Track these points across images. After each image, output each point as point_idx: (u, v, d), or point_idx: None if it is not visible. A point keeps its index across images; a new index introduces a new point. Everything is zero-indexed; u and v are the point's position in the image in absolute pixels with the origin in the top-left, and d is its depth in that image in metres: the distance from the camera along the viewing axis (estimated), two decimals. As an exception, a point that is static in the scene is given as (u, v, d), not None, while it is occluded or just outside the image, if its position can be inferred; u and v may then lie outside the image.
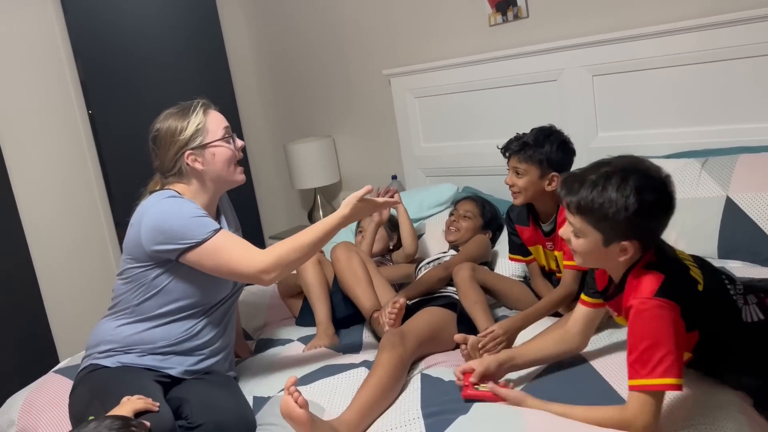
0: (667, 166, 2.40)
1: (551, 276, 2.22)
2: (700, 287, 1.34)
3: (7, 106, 3.09)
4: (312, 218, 3.86)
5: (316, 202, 3.87)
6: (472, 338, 1.86)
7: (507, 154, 2.14)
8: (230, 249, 1.74)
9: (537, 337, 1.72)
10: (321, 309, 2.24)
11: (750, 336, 1.38)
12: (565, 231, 1.43)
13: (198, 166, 1.82)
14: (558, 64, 2.80)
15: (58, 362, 2.41)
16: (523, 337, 1.89)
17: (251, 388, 1.91)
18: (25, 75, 3.15)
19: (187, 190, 1.86)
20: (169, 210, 1.76)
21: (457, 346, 1.94)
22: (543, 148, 2.08)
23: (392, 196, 2.12)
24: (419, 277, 2.36)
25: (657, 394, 1.29)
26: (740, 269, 2.10)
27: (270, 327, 2.42)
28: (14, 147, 3.11)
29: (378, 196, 2.06)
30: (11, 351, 3.06)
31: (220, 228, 1.78)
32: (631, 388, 1.30)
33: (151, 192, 1.86)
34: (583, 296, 1.63)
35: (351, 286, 2.20)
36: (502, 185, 3.04)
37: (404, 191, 3.41)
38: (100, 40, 3.38)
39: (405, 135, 3.43)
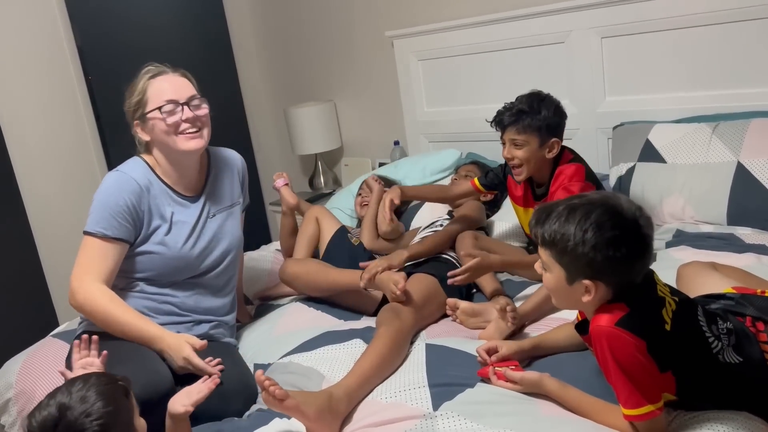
0: (677, 131, 2.41)
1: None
2: (667, 327, 1.26)
3: (3, 73, 3.03)
4: (313, 184, 3.81)
5: (317, 168, 3.82)
6: (463, 304, 1.84)
7: (501, 127, 2.04)
8: (84, 255, 1.74)
9: (564, 326, 1.67)
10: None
11: (730, 378, 1.30)
12: (537, 264, 1.38)
13: (144, 136, 1.82)
14: (566, 26, 2.73)
15: (58, 326, 2.39)
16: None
17: (252, 356, 1.89)
18: (22, 44, 3.08)
19: (153, 160, 1.85)
20: (103, 184, 1.78)
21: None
22: (540, 114, 1.99)
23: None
24: (421, 240, 2.32)
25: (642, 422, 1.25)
26: (749, 235, 2.08)
27: (270, 291, 2.39)
28: (12, 115, 3.05)
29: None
30: (11, 316, 3.05)
31: (106, 236, 1.73)
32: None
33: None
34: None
35: (322, 278, 2.13)
36: (505, 151, 3.04)
37: (407, 157, 3.36)
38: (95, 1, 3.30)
39: (408, 99, 3.37)
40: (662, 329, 1.25)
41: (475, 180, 2.36)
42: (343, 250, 2.38)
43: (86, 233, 1.75)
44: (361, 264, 2.04)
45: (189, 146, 1.80)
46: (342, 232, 2.46)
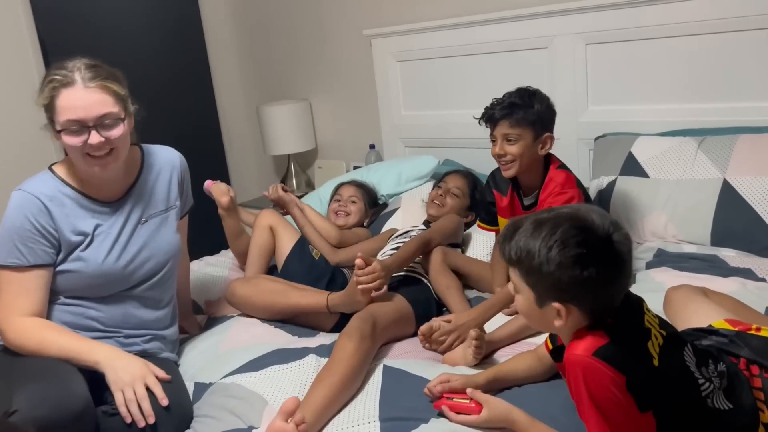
0: (661, 145, 2.29)
1: None
2: (655, 362, 1.12)
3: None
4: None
5: (289, 170, 3.67)
6: (436, 322, 1.72)
7: (493, 122, 1.92)
8: (4, 292, 1.58)
9: (523, 354, 1.53)
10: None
11: (717, 425, 1.17)
12: (509, 285, 1.25)
13: (58, 140, 1.59)
14: (549, 30, 2.62)
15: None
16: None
17: (193, 374, 1.74)
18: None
19: (71, 166, 1.67)
20: (9, 210, 1.59)
21: (415, 333, 1.81)
22: (533, 107, 1.88)
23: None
24: (396, 253, 2.14)
25: None
26: (734, 258, 1.97)
27: (223, 302, 2.21)
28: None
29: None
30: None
31: (20, 266, 1.57)
32: None
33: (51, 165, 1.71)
34: (547, 341, 1.43)
35: (281, 301, 1.95)
36: (484, 159, 2.89)
37: (382, 161, 3.23)
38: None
39: (385, 101, 3.24)
40: (648, 364, 1.12)
41: (480, 224, 2.27)
42: (304, 265, 2.20)
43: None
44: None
45: (93, 171, 1.60)
46: (302, 244, 2.28)
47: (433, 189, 2.52)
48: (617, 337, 1.12)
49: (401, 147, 3.26)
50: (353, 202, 2.59)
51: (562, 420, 1.31)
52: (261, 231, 2.33)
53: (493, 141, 1.94)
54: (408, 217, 2.63)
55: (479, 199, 2.44)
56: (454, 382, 1.40)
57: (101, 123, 1.54)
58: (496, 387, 1.45)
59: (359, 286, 1.79)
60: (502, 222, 2.11)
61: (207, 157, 3.74)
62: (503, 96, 1.94)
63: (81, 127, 1.53)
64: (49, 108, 1.55)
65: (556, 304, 1.14)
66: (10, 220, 1.58)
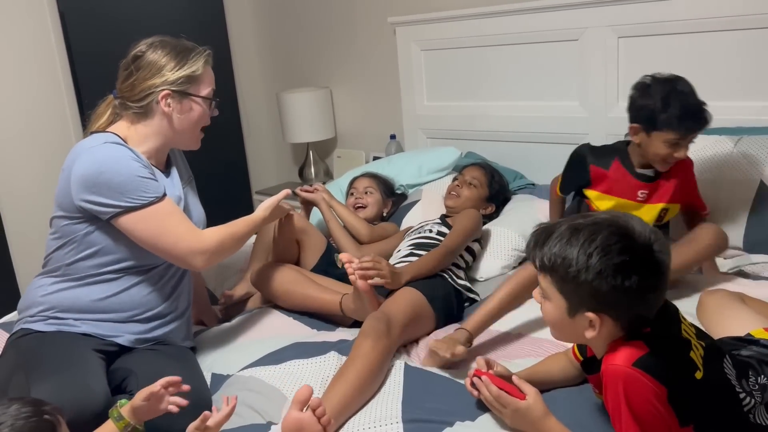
0: (695, 143, 2.22)
1: None
2: (699, 375, 1.08)
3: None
4: (303, 175, 3.61)
5: (308, 158, 3.62)
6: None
7: (691, 131, 1.80)
8: (174, 221, 1.57)
9: (556, 356, 1.47)
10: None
11: None
12: (536, 292, 1.19)
13: (168, 110, 1.61)
14: (581, 22, 2.54)
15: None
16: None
17: (210, 364, 1.70)
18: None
19: (136, 132, 1.62)
20: (107, 161, 1.52)
21: (433, 329, 1.79)
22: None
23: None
24: (417, 260, 2.02)
25: None
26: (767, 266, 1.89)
27: (240, 291, 2.16)
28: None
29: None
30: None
31: (165, 194, 1.57)
32: None
33: (93, 131, 1.62)
34: (576, 352, 1.37)
35: (298, 291, 1.92)
36: (508, 152, 2.85)
37: (402, 152, 3.17)
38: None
39: (408, 91, 3.18)
40: (691, 377, 1.07)
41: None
42: (330, 275, 2.10)
43: (144, 205, 1.52)
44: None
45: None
46: (328, 253, 2.18)
47: (452, 181, 2.47)
48: (657, 348, 1.07)
49: (423, 138, 3.20)
50: (369, 193, 2.55)
51: (590, 426, 1.26)
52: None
53: (675, 144, 1.78)
54: (429, 210, 2.58)
55: (498, 190, 2.41)
56: (499, 368, 1.35)
57: None
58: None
59: (350, 275, 1.72)
60: (608, 200, 1.94)
61: (225, 144, 3.71)
62: (697, 106, 1.80)
63: (214, 99, 1.69)
64: (192, 80, 1.62)
65: (590, 314, 1.09)
66: (118, 161, 1.52)
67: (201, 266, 1.61)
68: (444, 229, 2.19)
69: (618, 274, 1.04)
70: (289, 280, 1.94)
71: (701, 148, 2.17)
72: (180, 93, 1.60)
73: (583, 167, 1.96)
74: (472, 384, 1.32)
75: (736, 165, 2.08)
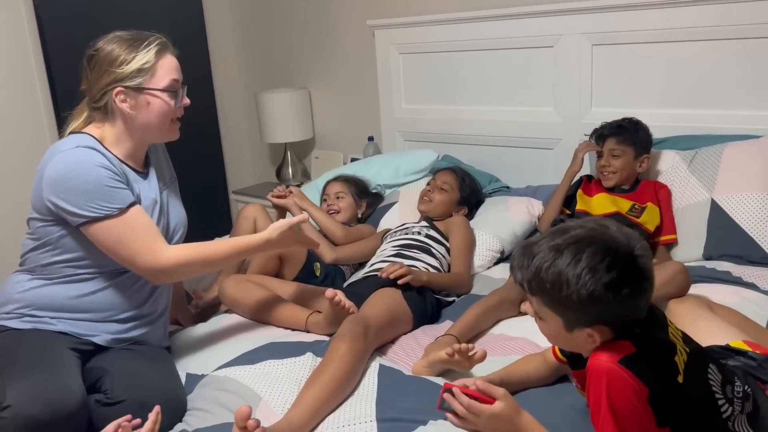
0: (657, 161, 2.30)
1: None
2: (680, 378, 1.10)
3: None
4: (280, 175, 3.62)
5: (285, 159, 3.62)
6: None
7: (601, 139, 2.28)
8: (135, 235, 1.52)
9: (532, 356, 1.50)
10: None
11: None
12: (528, 308, 1.21)
13: (125, 108, 1.56)
14: (556, 29, 2.59)
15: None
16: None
17: (185, 364, 1.70)
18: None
19: (111, 132, 1.60)
20: (76, 166, 1.49)
21: (410, 330, 1.82)
22: (638, 132, 2.22)
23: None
24: (435, 274, 2.05)
25: None
26: (731, 268, 1.96)
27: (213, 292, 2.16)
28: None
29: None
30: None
31: (134, 203, 1.55)
32: None
33: (71, 132, 1.61)
34: (557, 351, 1.39)
35: (264, 310, 1.90)
36: (484, 156, 2.89)
37: (380, 154, 3.20)
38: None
39: (386, 93, 3.20)
40: (673, 379, 1.09)
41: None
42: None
43: (108, 216, 1.49)
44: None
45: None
46: (309, 265, 2.20)
47: (425, 187, 2.51)
48: (644, 348, 1.09)
49: (400, 140, 3.22)
50: (340, 197, 2.57)
51: (563, 428, 1.29)
52: (244, 221, 2.29)
53: (600, 155, 2.27)
54: (406, 212, 2.61)
55: (470, 193, 2.47)
56: (468, 380, 1.36)
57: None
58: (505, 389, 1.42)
59: (337, 304, 1.71)
60: (593, 200, 2.29)
61: (202, 143, 3.69)
62: (610, 121, 2.29)
63: (178, 89, 1.60)
64: (143, 73, 1.55)
65: (588, 329, 1.10)
66: (89, 168, 1.49)
67: (160, 283, 1.59)
68: (433, 233, 2.23)
69: (609, 291, 1.06)
70: (255, 298, 1.91)
71: (663, 171, 2.30)
72: (133, 89, 1.55)
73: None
74: (441, 405, 1.29)
75: (691, 189, 2.22)
